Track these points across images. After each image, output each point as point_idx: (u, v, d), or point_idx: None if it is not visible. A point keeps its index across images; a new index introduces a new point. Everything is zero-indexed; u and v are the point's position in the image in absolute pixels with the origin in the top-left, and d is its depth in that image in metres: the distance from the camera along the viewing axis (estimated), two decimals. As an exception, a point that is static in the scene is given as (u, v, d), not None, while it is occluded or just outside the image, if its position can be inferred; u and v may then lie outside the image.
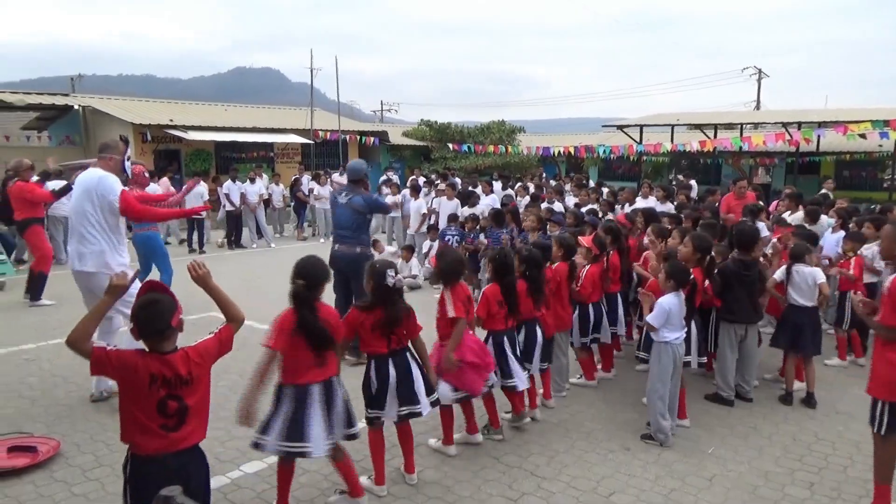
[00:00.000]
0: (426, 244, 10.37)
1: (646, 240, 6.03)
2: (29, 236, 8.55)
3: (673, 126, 23.56)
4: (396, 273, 3.61)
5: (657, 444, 4.37)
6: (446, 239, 9.11)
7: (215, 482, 3.79)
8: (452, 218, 9.52)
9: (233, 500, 3.62)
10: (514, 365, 4.40)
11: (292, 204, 16.06)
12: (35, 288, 8.32)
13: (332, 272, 4.50)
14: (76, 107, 19.48)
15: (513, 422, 4.58)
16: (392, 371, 3.58)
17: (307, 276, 3.32)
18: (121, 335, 4.90)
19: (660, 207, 8.92)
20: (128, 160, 5.22)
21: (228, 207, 13.60)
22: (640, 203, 9.16)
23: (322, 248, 13.79)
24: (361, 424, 3.59)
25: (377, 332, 3.56)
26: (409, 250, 10.15)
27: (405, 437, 3.81)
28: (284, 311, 3.31)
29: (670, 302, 4.41)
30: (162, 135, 19.06)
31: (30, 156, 9.57)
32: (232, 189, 13.62)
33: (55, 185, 10.93)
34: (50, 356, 6.11)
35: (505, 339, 4.41)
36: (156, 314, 2.51)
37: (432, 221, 10.99)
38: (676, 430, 4.55)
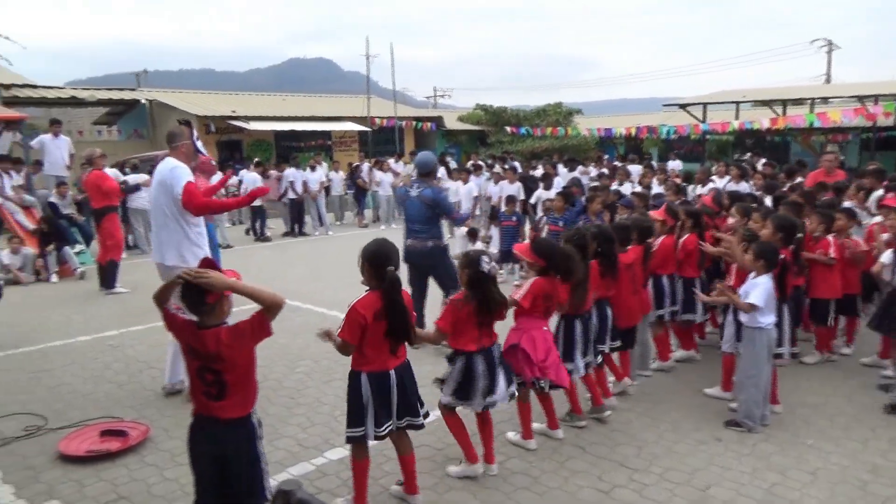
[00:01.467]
0: (492, 230, 10.25)
1: (730, 220, 5.77)
2: (103, 225, 8.81)
3: (738, 104, 22.62)
4: (490, 260, 3.52)
5: (746, 432, 4.18)
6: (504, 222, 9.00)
7: (299, 469, 3.81)
8: (510, 200, 9.36)
9: (319, 487, 3.61)
10: (578, 351, 4.27)
11: (352, 191, 16.17)
12: (108, 277, 8.58)
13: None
14: (143, 101, 20.09)
15: (591, 413, 4.44)
16: (480, 367, 3.51)
17: (390, 260, 3.23)
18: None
19: (732, 188, 8.55)
20: (198, 141, 5.08)
21: (291, 195, 13.77)
22: (718, 183, 8.79)
23: (383, 235, 13.84)
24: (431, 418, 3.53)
25: (472, 323, 3.48)
26: (472, 235, 10.05)
27: (485, 425, 3.73)
28: (365, 296, 3.20)
29: (766, 281, 4.18)
30: (224, 126, 19.48)
31: (101, 149, 9.88)
32: (296, 177, 13.77)
33: (134, 178, 11.30)
34: (132, 342, 6.29)
35: (577, 322, 4.28)
36: (195, 291, 2.59)
37: (493, 203, 10.86)
38: (769, 420, 4.33)
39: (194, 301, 2.61)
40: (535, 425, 4.14)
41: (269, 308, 2.63)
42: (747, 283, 4.31)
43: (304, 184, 13.79)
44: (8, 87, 16.37)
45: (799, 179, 8.85)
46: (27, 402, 4.83)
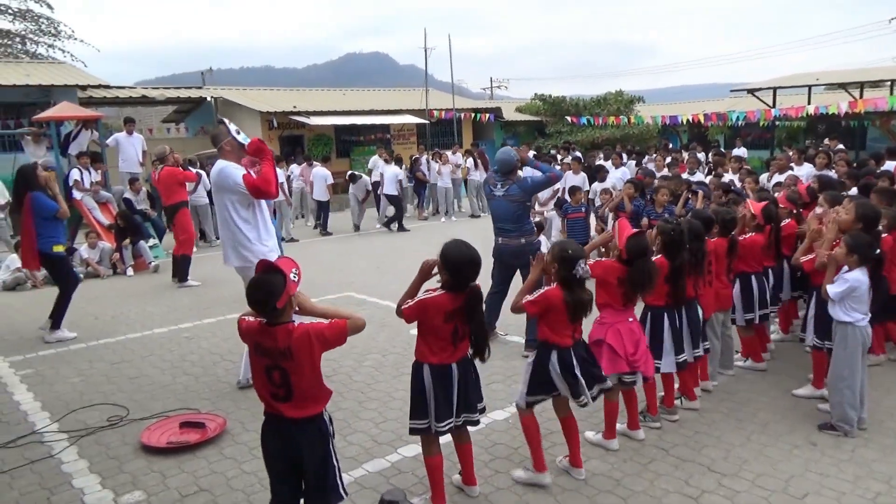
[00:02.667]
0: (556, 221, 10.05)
1: (818, 209, 5.42)
2: (177, 220, 9.07)
3: (810, 87, 21.54)
4: (586, 262, 3.39)
5: (842, 436, 3.92)
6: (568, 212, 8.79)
7: (374, 465, 3.78)
8: (575, 191, 9.14)
9: (395, 484, 3.54)
10: (667, 346, 4.10)
11: (411, 184, 16.18)
12: (181, 270, 8.83)
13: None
14: (209, 98, 20.61)
15: (662, 412, 4.26)
16: (575, 361, 3.39)
17: (473, 269, 3.14)
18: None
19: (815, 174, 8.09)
20: (237, 133, 4.92)
21: (389, 190, 13.80)
22: (797, 171, 8.34)
23: (443, 228, 13.93)
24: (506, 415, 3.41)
25: (564, 320, 3.37)
26: (538, 228, 9.88)
27: (570, 427, 3.59)
28: (439, 296, 3.12)
29: (857, 277, 3.89)
30: (286, 121, 19.79)
31: (170, 146, 10.17)
32: (386, 170, 13.77)
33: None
34: (206, 335, 6.43)
35: (665, 316, 4.10)
36: (263, 297, 2.56)
37: (559, 195, 10.63)
38: (867, 423, 4.05)
39: (264, 307, 2.58)
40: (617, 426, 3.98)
41: (353, 327, 2.65)
42: (839, 278, 4.03)
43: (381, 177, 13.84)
44: (84, 87, 17.03)
45: (888, 165, 8.32)
46: (110, 393, 4.99)
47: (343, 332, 2.64)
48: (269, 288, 2.54)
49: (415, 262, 3.28)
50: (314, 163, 14.43)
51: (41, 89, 15.75)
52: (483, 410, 3.37)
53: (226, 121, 5.03)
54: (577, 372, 3.39)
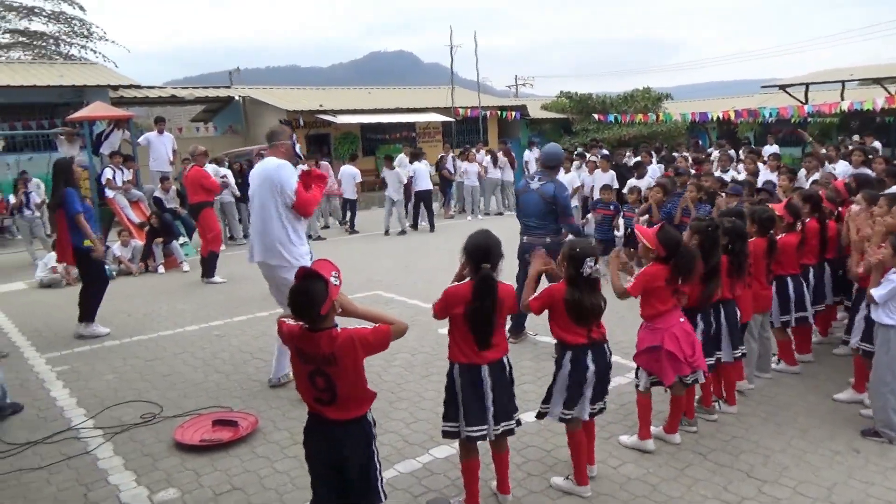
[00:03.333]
0: (588, 218, 9.96)
1: (854, 208, 5.27)
2: (201, 218, 9.18)
3: (843, 83, 21.05)
4: (597, 262, 3.29)
5: (887, 443, 3.80)
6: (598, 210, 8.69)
7: (406, 466, 3.76)
8: (606, 188, 9.04)
9: (427, 486, 3.53)
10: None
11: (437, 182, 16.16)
12: (208, 267, 8.92)
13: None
14: (237, 98, 20.82)
15: (699, 412, 4.18)
16: (591, 365, 3.31)
17: (489, 256, 3.09)
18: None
19: (853, 172, 7.88)
20: (297, 143, 5.09)
21: (423, 186, 13.68)
22: (833, 168, 8.14)
23: (469, 226, 13.84)
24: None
25: (572, 318, 3.29)
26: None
27: (589, 433, 3.54)
28: (462, 284, 3.11)
29: (905, 280, 3.77)
30: (313, 120, 19.90)
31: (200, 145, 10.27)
32: (417, 167, 13.70)
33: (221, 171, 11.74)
34: (236, 332, 6.47)
35: (700, 318, 4.02)
36: (306, 302, 2.52)
37: (587, 193, 10.54)
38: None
39: (307, 314, 2.54)
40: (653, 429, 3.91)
41: (397, 332, 2.64)
42: (884, 280, 3.91)
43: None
44: (116, 87, 17.33)
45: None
46: (143, 391, 5.04)
47: (387, 338, 2.62)
48: (311, 296, 2.50)
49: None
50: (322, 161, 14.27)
51: (74, 90, 16.06)
52: (519, 422, 3.30)
53: (293, 124, 5.07)
54: (590, 372, 3.30)
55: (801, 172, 8.41)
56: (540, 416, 3.48)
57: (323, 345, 2.55)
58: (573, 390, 3.32)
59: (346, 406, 2.62)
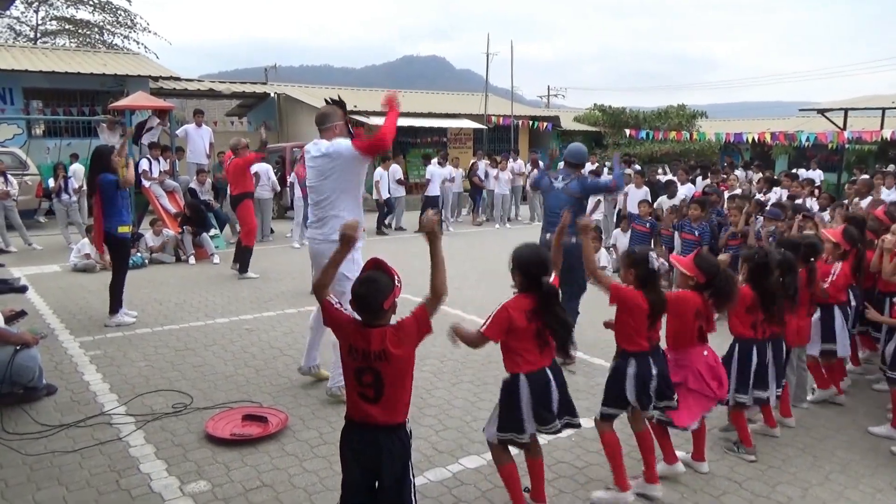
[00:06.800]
0: (614, 234, 9.86)
1: (889, 237, 5.11)
2: (240, 210, 9.25)
3: (884, 110, 20.65)
4: (658, 257, 3.35)
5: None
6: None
7: (435, 474, 3.73)
8: (644, 203, 8.94)
9: (457, 496, 3.50)
10: (752, 381, 3.96)
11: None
12: (243, 261, 8.95)
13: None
14: (272, 94, 21.04)
15: (742, 451, 4.08)
16: (654, 370, 3.33)
17: (545, 269, 3.12)
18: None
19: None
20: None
21: (434, 192, 13.87)
22: (885, 195, 7.98)
23: (497, 234, 13.83)
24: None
25: (645, 324, 3.32)
26: (597, 240, 9.72)
27: (645, 441, 3.50)
28: (516, 298, 3.13)
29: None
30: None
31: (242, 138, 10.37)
32: (435, 174, 13.83)
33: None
34: (266, 328, 6.50)
35: (755, 349, 3.95)
36: (371, 294, 2.51)
37: (619, 207, 10.43)
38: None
39: (370, 305, 2.54)
40: (679, 453, 3.82)
41: (436, 297, 2.63)
42: None
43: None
44: (156, 78, 17.61)
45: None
46: (174, 380, 5.08)
47: (427, 316, 2.62)
48: (379, 286, 2.51)
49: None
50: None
51: (116, 78, 16.35)
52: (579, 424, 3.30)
53: (341, 105, 4.83)
54: (653, 384, 3.32)
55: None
56: (603, 417, 3.46)
57: (373, 341, 2.54)
58: (640, 391, 3.36)
59: (390, 406, 2.59)
